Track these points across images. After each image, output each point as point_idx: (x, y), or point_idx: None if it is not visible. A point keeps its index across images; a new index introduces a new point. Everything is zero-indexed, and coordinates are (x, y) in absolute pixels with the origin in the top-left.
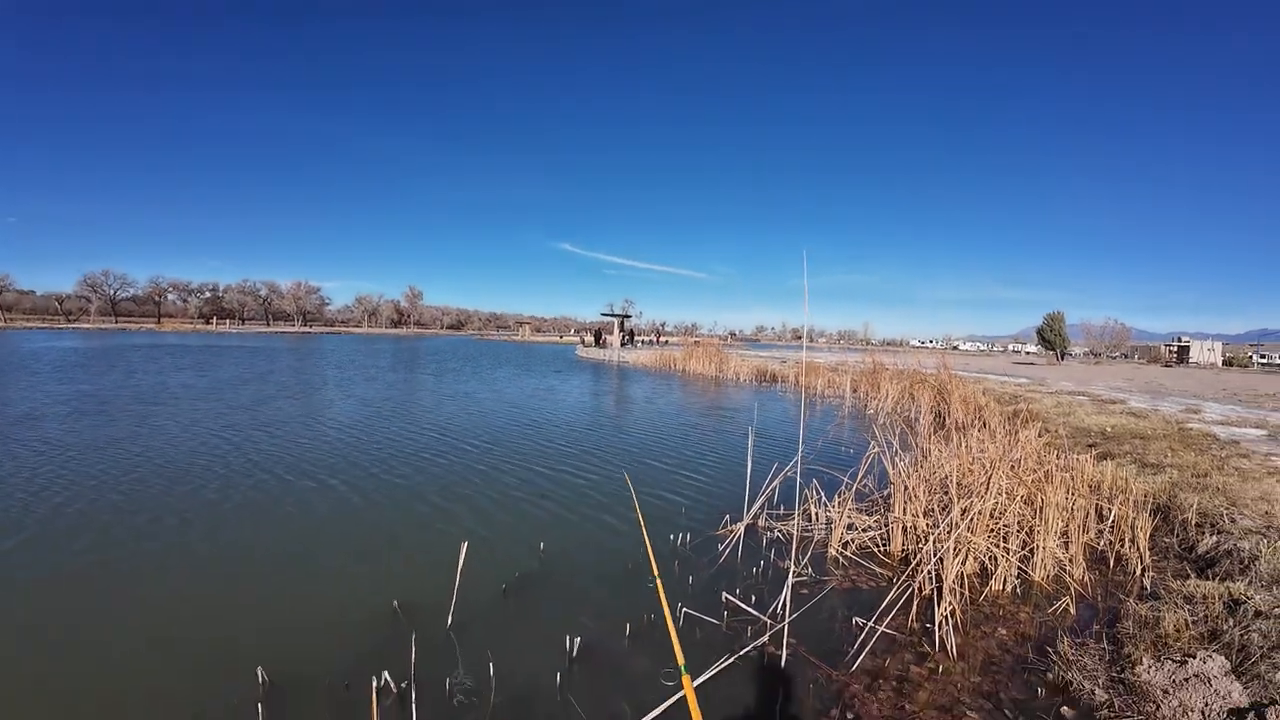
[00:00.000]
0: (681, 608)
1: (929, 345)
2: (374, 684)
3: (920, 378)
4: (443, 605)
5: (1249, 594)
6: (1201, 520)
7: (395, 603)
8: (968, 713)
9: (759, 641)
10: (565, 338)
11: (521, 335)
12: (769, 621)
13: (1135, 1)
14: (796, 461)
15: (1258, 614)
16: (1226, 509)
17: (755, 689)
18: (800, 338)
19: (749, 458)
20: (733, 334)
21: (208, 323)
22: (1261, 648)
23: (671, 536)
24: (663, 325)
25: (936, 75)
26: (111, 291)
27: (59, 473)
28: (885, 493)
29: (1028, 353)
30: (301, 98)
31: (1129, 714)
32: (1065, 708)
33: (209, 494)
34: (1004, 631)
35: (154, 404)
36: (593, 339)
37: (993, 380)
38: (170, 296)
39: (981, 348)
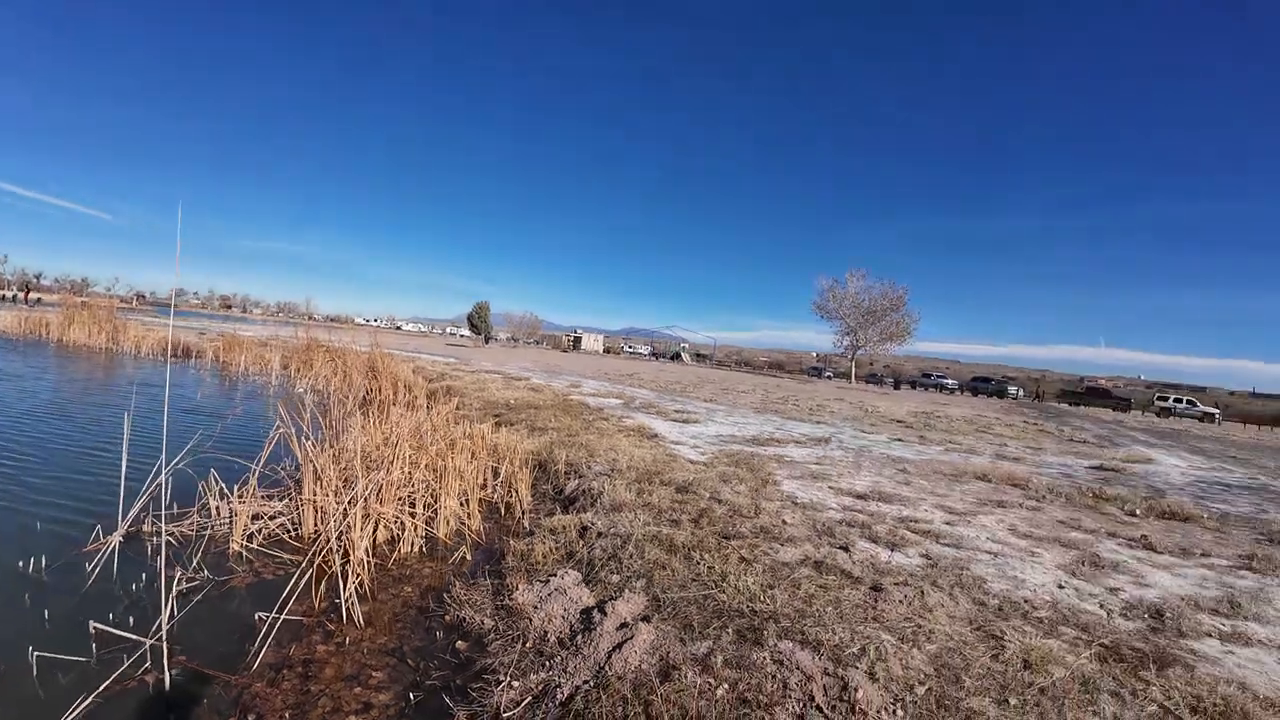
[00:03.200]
0: (33, 651)
1: (373, 323)
2: None
3: (355, 355)
4: None
5: (594, 521)
6: (568, 469)
7: None
8: (374, 674)
9: (138, 669)
10: None
11: None
12: (147, 641)
13: None
14: (211, 446)
15: (599, 535)
16: (587, 459)
17: None
18: (231, 306)
19: (124, 451)
20: (141, 296)
21: None
22: (601, 559)
23: (20, 562)
24: (37, 278)
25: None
26: None
27: None
28: (297, 475)
29: (462, 335)
30: None
31: (510, 632)
32: (460, 642)
33: None
34: (409, 590)
35: None
36: None
37: (425, 359)
38: None
39: (423, 329)
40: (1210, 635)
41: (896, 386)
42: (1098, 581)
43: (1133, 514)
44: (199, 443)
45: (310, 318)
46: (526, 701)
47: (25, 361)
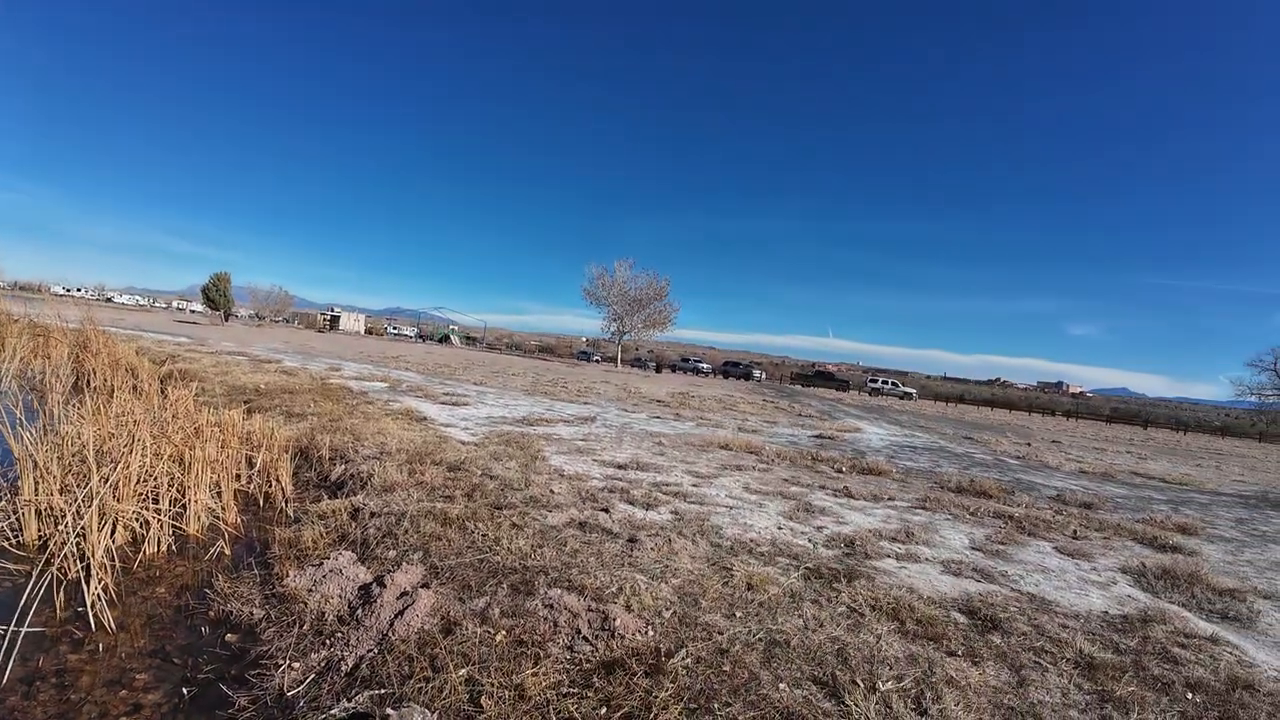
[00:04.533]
0: None
1: (77, 294)
2: None
3: (60, 333)
4: None
5: (366, 503)
6: (334, 455)
7: None
8: (138, 676)
9: None
10: None
11: None
12: None
13: None
14: None
15: (372, 515)
16: (353, 443)
17: None
18: None
19: None
20: None
21: None
22: (376, 538)
23: None
24: None
25: None
26: None
27: None
28: (12, 474)
29: (193, 311)
30: None
31: (284, 618)
32: (230, 635)
33: None
34: (163, 590)
35: None
36: None
37: (150, 338)
38: None
39: (143, 302)
40: (889, 557)
41: (658, 370)
42: (808, 523)
43: (840, 471)
44: None
45: None
46: (310, 679)
47: None
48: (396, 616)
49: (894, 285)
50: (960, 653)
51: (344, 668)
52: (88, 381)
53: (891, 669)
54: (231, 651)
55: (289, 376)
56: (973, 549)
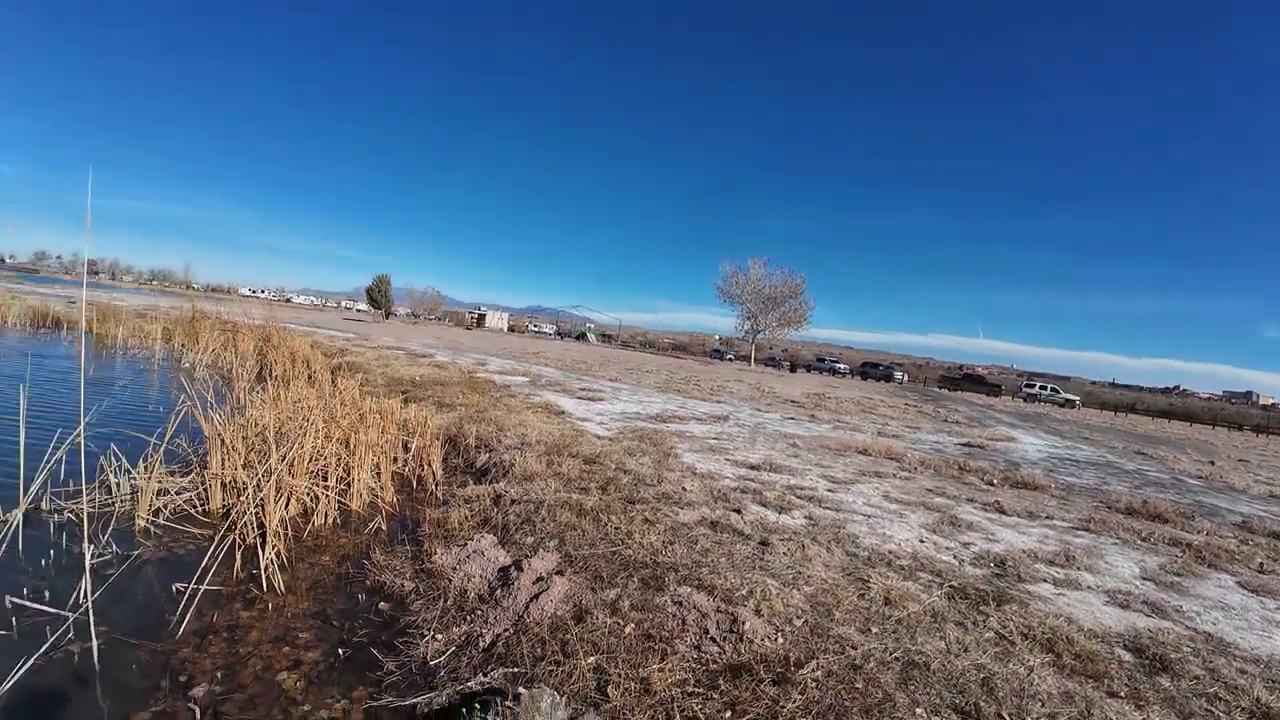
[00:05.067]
0: None
1: (260, 295)
2: None
3: (247, 329)
4: None
5: (508, 490)
6: (479, 443)
7: None
8: (300, 635)
9: (63, 640)
10: None
11: None
12: (70, 615)
13: None
14: (106, 420)
15: (513, 502)
16: (496, 434)
17: (70, 689)
18: (99, 274)
19: (22, 426)
20: None
21: None
22: (515, 524)
23: None
24: None
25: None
26: None
27: None
28: (202, 450)
29: (358, 310)
30: None
31: (431, 592)
32: (383, 603)
33: None
34: (327, 558)
35: None
36: None
37: (323, 334)
38: None
39: (316, 302)
40: (1045, 581)
41: (793, 370)
42: (954, 538)
43: (990, 483)
44: (93, 418)
45: (189, 286)
46: (450, 651)
47: None
48: (532, 600)
49: (1051, 281)
50: (1123, 694)
51: (481, 644)
52: (269, 371)
53: (1043, 706)
54: (383, 619)
55: (440, 370)
56: (1143, 579)
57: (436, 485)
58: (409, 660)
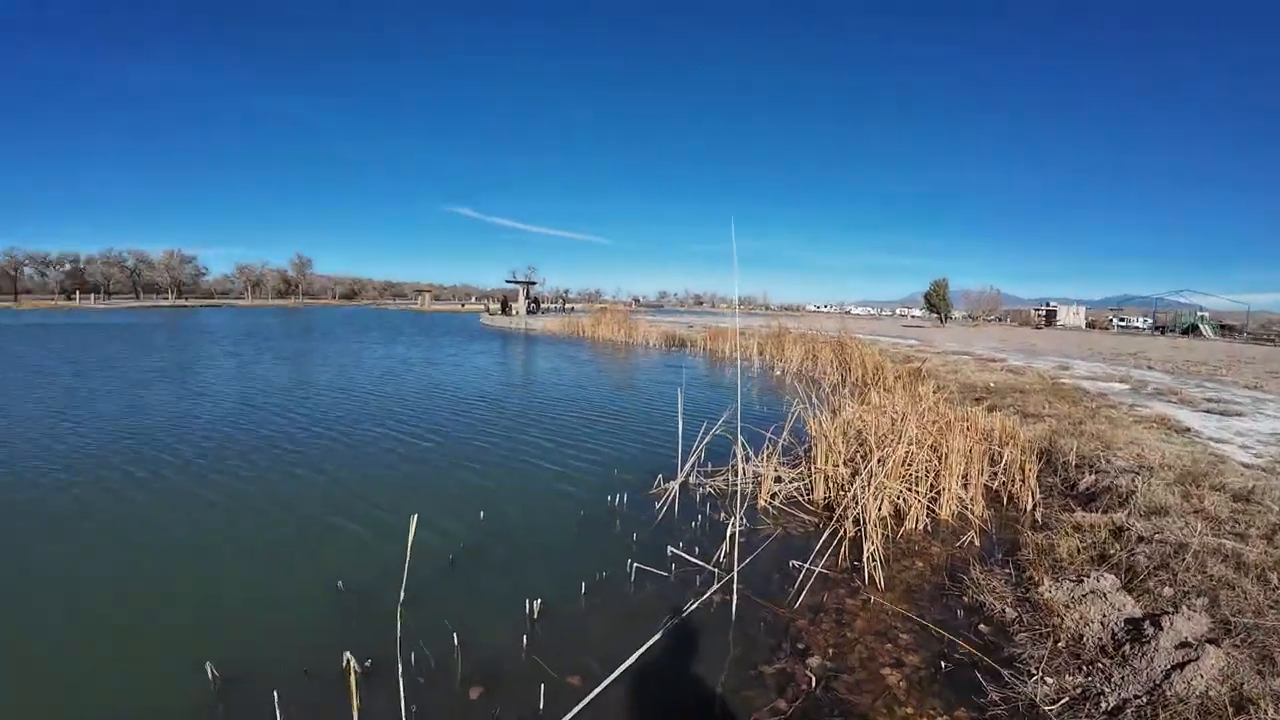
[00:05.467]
0: (632, 564)
1: (825, 310)
2: (351, 664)
3: (822, 340)
4: (390, 582)
5: (1131, 523)
6: (1080, 462)
7: (340, 583)
8: (900, 635)
9: (713, 588)
10: (467, 306)
11: (421, 304)
12: (715, 570)
13: None
14: (732, 418)
15: (1140, 539)
16: (1102, 452)
17: (714, 630)
18: (702, 303)
19: (679, 418)
20: (636, 300)
21: (69, 298)
22: (1145, 567)
23: (609, 498)
24: (566, 292)
25: (833, 52)
26: None
27: None
28: (805, 446)
29: (914, 316)
30: (169, 50)
31: (1037, 627)
32: (982, 625)
33: (130, 485)
34: (921, 564)
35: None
36: (498, 307)
37: (885, 342)
38: (27, 270)
39: (872, 312)
40: None
41: None
42: None
43: None
44: (730, 414)
45: (766, 308)
46: (1064, 700)
47: (585, 354)
48: (1174, 668)
49: None
50: None
51: (1104, 704)
52: (844, 378)
53: None
54: (983, 641)
55: (1016, 375)
56: None
57: (1034, 505)
58: (1015, 697)
